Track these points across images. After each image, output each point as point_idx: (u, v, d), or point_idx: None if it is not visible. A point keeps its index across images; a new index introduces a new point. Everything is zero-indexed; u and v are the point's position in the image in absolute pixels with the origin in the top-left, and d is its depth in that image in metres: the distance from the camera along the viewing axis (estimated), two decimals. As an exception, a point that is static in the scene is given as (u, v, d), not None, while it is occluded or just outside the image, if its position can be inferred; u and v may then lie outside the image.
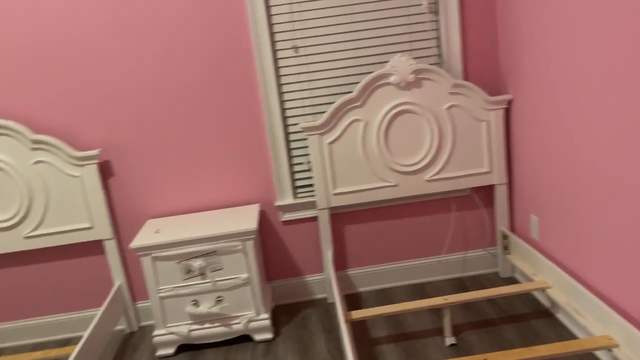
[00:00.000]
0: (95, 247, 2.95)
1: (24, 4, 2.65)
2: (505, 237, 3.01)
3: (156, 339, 2.70)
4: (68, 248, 2.95)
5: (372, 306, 2.95)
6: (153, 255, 2.60)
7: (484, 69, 2.93)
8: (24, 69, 2.72)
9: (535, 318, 2.64)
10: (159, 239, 2.59)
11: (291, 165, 2.98)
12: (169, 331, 2.69)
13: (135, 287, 3.04)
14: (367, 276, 3.15)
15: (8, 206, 2.76)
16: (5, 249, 2.82)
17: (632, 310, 2.05)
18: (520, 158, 2.85)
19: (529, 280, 2.86)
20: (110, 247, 2.89)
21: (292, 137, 2.95)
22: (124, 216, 2.94)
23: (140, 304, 3.06)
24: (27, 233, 2.80)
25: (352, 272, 3.14)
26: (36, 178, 2.75)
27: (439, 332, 2.64)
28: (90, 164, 2.76)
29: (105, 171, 2.88)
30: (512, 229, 3.07)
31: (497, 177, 2.95)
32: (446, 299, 2.51)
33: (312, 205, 3.01)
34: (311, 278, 3.13)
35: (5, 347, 3.04)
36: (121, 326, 3.04)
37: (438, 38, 2.88)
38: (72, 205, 2.80)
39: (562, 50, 2.30)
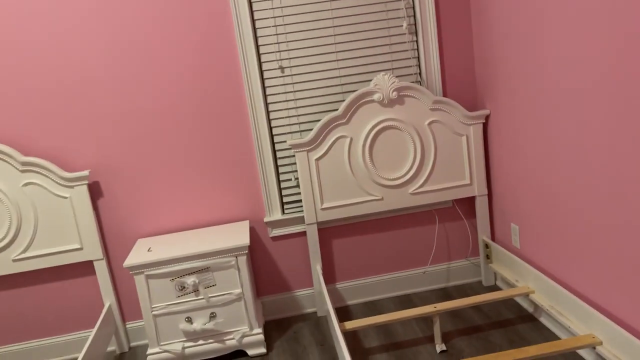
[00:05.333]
0: (85, 268, 2.94)
1: (20, 33, 2.68)
2: (487, 246, 3.13)
3: (150, 358, 2.70)
4: (58, 270, 2.93)
5: (362, 318, 3.01)
6: (146, 273, 2.62)
7: (462, 85, 3.07)
8: (12, 92, 2.74)
9: (520, 323, 2.75)
10: (152, 257, 2.61)
11: (279, 181, 3.05)
12: (163, 349, 2.70)
13: (125, 308, 3.03)
14: (355, 289, 3.21)
15: (-4, 229, 2.75)
16: (-7, 273, 2.79)
17: (613, 309, 2.17)
18: (499, 170, 2.98)
19: (512, 286, 2.98)
20: (101, 268, 2.89)
21: (280, 154, 3.02)
22: (114, 236, 2.95)
23: (130, 325, 3.05)
24: (16, 256, 2.78)
25: (341, 285, 3.20)
26: (25, 200, 2.74)
27: (429, 339, 2.71)
28: (80, 184, 2.77)
29: (95, 192, 2.89)
30: (494, 238, 3.20)
31: (478, 189, 3.08)
32: (435, 307, 2.59)
33: (300, 220, 3.07)
34: (300, 293, 3.18)
35: (-10, 374, 2.98)
36: (112, 347, 3.02)
37: (418, 57, 3.02)
38: (62, 227, 2.79)
39: (535, 65, 2.45)
